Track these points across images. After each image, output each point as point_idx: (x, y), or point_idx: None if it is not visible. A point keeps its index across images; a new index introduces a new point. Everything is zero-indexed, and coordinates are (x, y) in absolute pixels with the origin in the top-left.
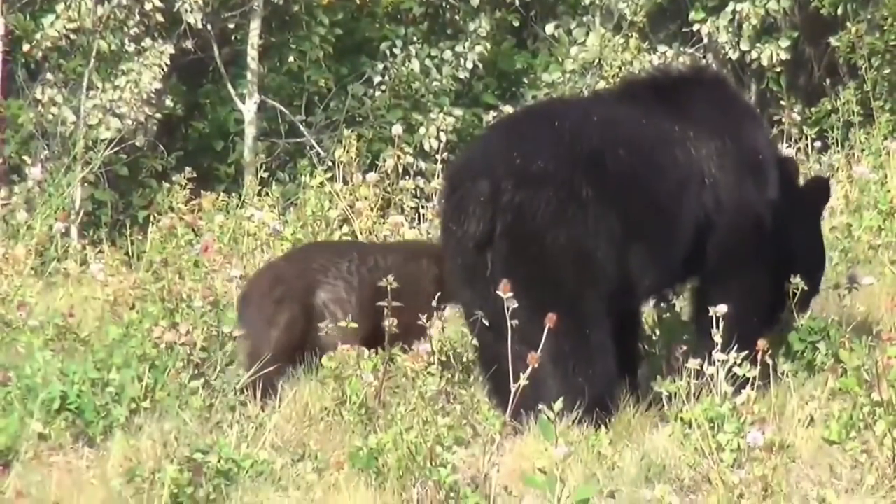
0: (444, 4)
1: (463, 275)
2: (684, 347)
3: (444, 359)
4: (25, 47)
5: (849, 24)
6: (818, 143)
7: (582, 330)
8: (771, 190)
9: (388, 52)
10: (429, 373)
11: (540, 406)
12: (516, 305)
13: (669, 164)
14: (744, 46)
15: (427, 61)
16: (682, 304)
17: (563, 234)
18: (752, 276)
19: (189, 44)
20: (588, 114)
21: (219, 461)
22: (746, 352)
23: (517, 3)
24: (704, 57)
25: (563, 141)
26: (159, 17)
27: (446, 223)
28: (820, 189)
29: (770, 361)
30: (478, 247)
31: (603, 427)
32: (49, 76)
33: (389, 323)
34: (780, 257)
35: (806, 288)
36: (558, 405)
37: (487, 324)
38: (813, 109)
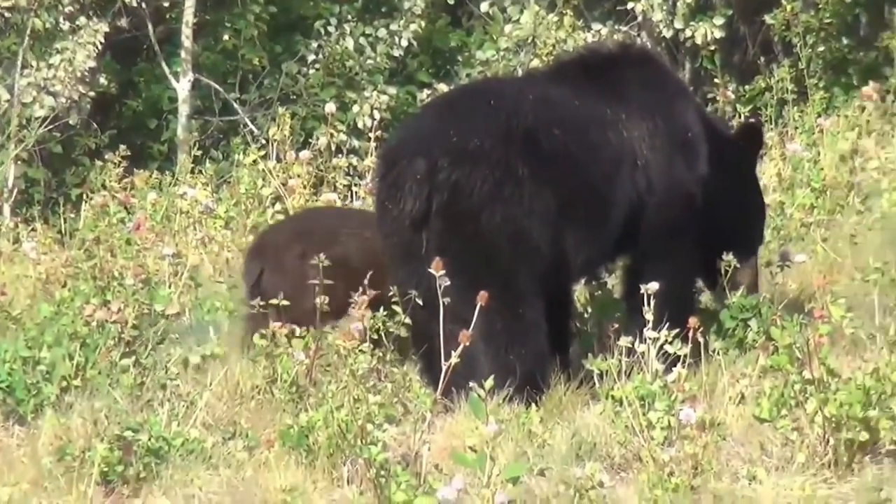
0: None
1: (398, 253)
2: (616, 325)
3: (375, 337)
4: None
5: (784, 1)
6: (752, 120)
7: (515, 308)
8: (701, 166)
9: (322, 31)
10: (360, 351)
11: (471, 384)
12: (449, 283)
13: (603, 145)
14: (678, 24)
15: (361, 39)
16: (614, 283)
17: (498, 213)
18: (683, 254)
19: (123, 22)
20: (523, 93)
21: (149, 439)
22: (677, 329)
23: None
24: (639, 35)
25: (499, 119)
26: None
27: (382, 202)
28: (751, 135)
29: (701, 339)
30: (413, 225)
31: (534, 405)
32: None
33: (321, 301)
34: (719, 216)
35: (740, 257)
36: (489, 383)
37: (421, 302)
38: (747, 87)
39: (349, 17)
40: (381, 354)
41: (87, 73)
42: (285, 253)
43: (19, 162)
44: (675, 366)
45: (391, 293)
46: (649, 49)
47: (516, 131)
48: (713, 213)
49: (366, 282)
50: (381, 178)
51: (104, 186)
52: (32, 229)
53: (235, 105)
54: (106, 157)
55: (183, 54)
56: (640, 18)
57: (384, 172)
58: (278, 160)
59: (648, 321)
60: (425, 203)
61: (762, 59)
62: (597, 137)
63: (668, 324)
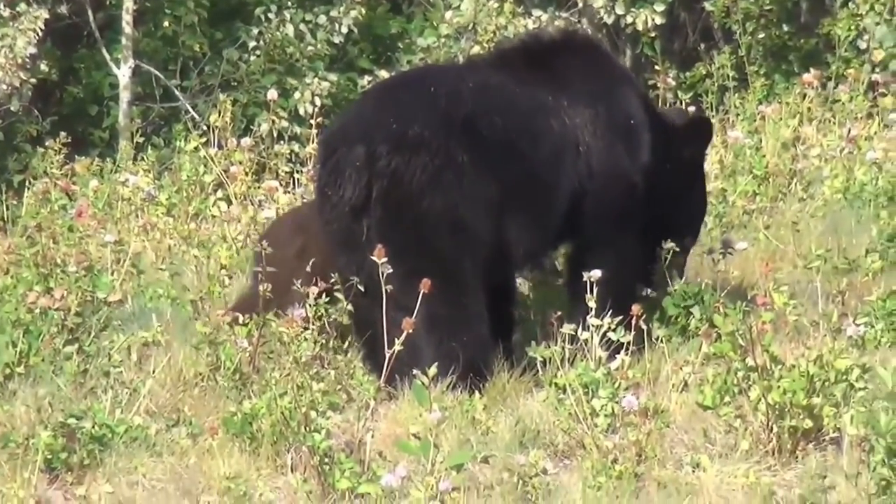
0: None
1: (339, 240)
2: (559, 313)
3: (319, 324)
4: None
5: None
6: (693, 108)
7: (456, 296)
8: (643, 154)
9: (262, 17)
10: (303, 338)
11: (414, 371)
12: (391, 271)
13: (544, 132)
14: (619, 10)
15: (302, 26)
16: (559, 269)
17: (438, 200)
18: (625, 241)
19: (64, 8)
20: (464, 80)
21: (93, 427)
22: (621, 317)
23: None
24: (579, 21)
25: (439, 107)
26: None
27: (322, 189)
28: (701, 129)
29: (644, 326)
30: (353, 212)
31: (477, 392)
32: None
33: (264, 288)
34: (662, 207)
35: (678, 248)
36: (433, 370)
37: (363, 289)
38: (688, 74)
39: (289, 3)
40: (324, 342)
41: (27, 60)
42: (285, 247)
43: None
44: (618, 353)
45: None
46: (592, 37)
47: (456, 118)
48: (655, 203)
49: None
50: (322, 165)
51: (46, 173)
52: None
53: (176, 92)
54: (47, 143)
55: (123, 41)
56: (580, 5)
57: (324, 159)
58: (220, 147)
59: (591, 309)
60: (365, 190)
61: (702, 45)
62: (538, 124)
63: (611, 311)
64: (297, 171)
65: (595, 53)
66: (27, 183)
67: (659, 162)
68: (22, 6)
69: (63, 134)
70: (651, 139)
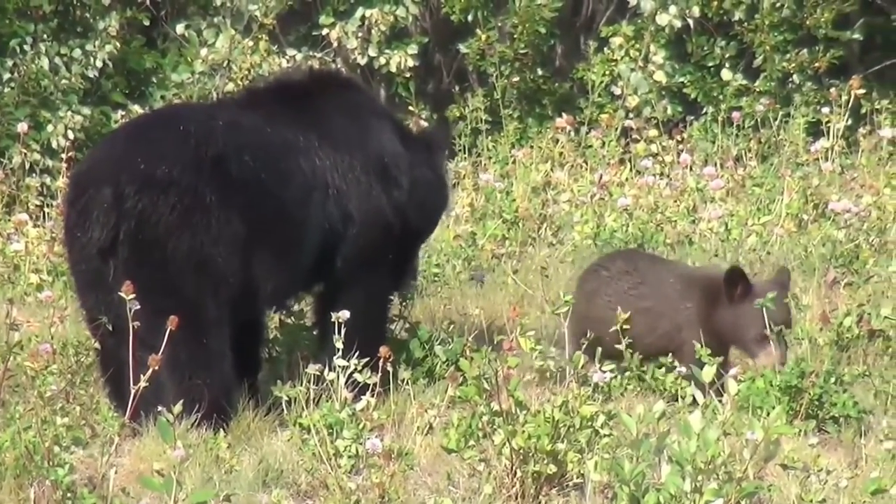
0: (74, 2)
1: (86, 280)
2: (305, 352)
3: (65, 359)
4: None
5: (479, 31)
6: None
7: (200, 335)
8: (401, 191)
9: (17, 49)
10: (49, 372)
11: (159, 408)
12: (138, 308)
13: (294, 173)
14: (372, 52)
15: (57, 59)
16: (306, 309)
17: (185, 241)
18: (377, 283)
19: None
20: (214, 119)
21: None
22: (367, 358)
23: (147, 1)
24: (334, 61)
25: (189, 146)
26: None
27: (70, 229)
28: (436, 137)
29: (390, 368)
30: (101, 253)
31: (221, 431)
32: None
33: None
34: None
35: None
36: (177, 408)
37: (111, 328)
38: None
39: (44, 36)
40: (70, 376)
41: None
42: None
43: None
44: (363, 394)
45: None
46: (346, 74)
47: (205, 158)
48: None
49: None
50: (70, 205)
51: None
52: None
53: None
54: None
55: None
56: (335, 45)
57: (73, 199)
58: None
59: (338, 349)
60: (113, 231)
61: (457, 87)
62: (288, 165)
63: (358, 352)
64: (48, 205)
65: (348, 92)
66: None
67: (412, 183)
68: None
69: None
70: (409, 169)
